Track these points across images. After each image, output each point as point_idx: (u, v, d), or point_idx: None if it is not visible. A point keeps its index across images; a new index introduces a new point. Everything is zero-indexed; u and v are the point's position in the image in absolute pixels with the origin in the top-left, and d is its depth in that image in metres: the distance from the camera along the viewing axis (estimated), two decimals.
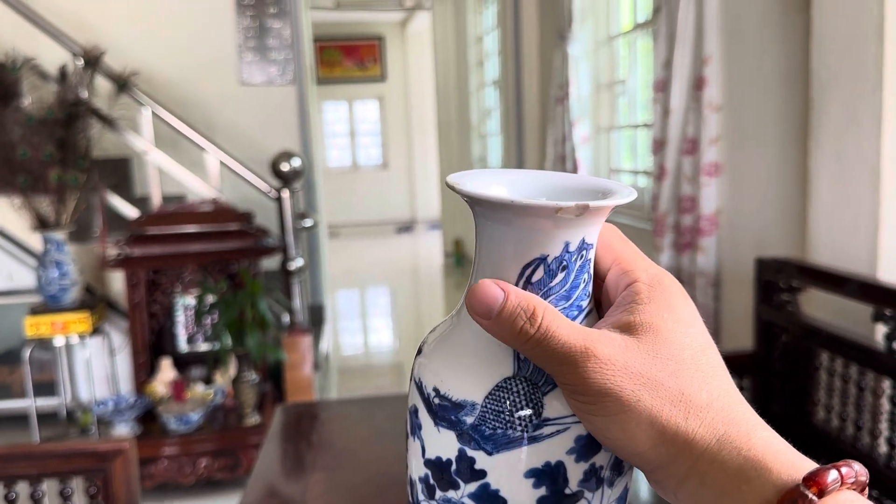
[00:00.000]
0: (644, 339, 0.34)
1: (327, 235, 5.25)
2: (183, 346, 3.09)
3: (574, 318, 0.40)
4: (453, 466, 0.41)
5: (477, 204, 0.40)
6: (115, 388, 3.04)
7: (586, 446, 0.40)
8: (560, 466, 0.40)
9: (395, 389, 4.00)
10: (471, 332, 0.42)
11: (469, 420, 0.41)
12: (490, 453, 0.40)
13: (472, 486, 0.41)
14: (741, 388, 1.87)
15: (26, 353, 2.84)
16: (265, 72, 3.85)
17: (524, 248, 0.40)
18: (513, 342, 0.36)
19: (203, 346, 3.08)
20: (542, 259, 0.40)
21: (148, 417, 2.80)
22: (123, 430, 2.70)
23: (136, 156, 3.57)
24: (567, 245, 0.40)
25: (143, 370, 2.89)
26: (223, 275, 2.91)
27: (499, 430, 0.40)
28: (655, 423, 0.33)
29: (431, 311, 5.92)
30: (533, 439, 0.40)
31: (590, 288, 0.41)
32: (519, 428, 0.40)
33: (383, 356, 5.04)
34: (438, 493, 0.42)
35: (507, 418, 0.40)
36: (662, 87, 2.57)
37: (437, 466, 0.42)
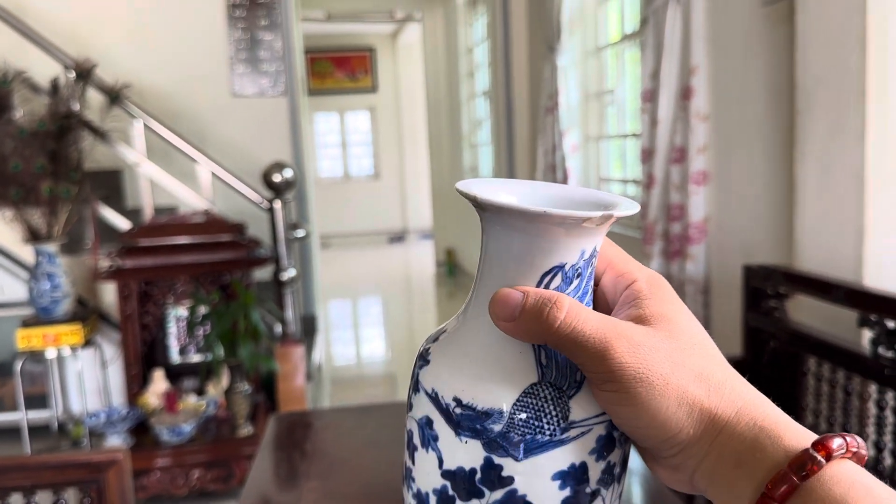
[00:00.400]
0: (659, 328, 0.36)
1: (319, 246, 5.26)
2: (175, 357, 3.09)
3: None
4: (478, 475, 0.42)
5: (497, 213, 0.41)
6: (108, 400, 3.04)
7: (605, 445, 0.41)
8: (584, 466, 0.41)
9: (388, 399, 4.01)
10: (488, 340, 0.43)
11: (497, 428, 0.42)
12: (518, 459, 0.41)
13: (499, 494, 0.42)
14: None
15: (18, 365, 2.84)
16: (257, 83, 3.87)
17: (543, 257, 0.41)
18: (542, 334, 0.37)
19: (195, 358, 3.08)
20: (561, 267, 0.41)
21: (140, 429, 2.79)
22: (116, 441, 2.70)
23: (128, 168, 3.58)
24: (583, 253, 0.41)
25: (136, 382, 2.89)
26: (215, 286, 2.92)
27: (528, 436, 0.41)
28: (683, 402, 0.35)
29: (424, 321, 5.93)
30: (560, 442, 0.41)
31: (592, 294, 0.43)
32: (548, 432, 0.41)
33: (376, 366, 5.04)
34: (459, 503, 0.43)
35: (536, 423, 0.41)
36: (650, 97, 2.60)
37: (460, 477, 0.43)
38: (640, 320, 0.37)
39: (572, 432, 0.41)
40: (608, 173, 3.69)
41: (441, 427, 0.43)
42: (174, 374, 3.05)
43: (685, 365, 0.36)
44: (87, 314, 2.97)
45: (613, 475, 0.42)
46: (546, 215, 0.39)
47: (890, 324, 1.44)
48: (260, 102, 3.89)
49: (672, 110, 2.50)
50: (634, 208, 0.41)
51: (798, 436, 0.33)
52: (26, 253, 3.13)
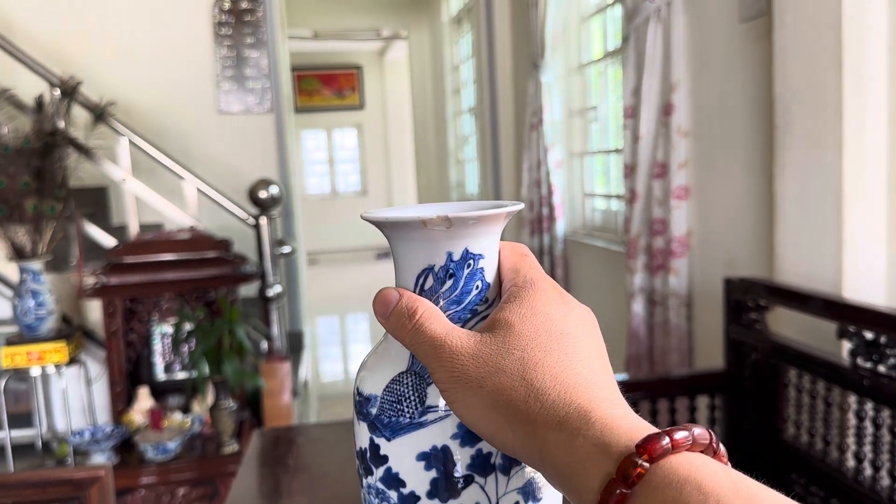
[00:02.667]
0: (498, 334, 0.38)
1: (306, 262, 5.25)
2: (160, 374, 3.07)
3: (468, 320, 0.46)
4: (367, 454, 0.47)
5: (375, 225, 0.46)
6: (92, 418, 3.02)
7: (469, 432, 0.44)
8: (446, 450, 0.45)
9: None
10: (387, 342, 0.48)
11: (373, 411, 0.47)
12: (389, 439, 0.46)
13: (381, 471, 0.47)
14: (713, 407, 1.90)
15: (1, 384, 2.82)
16: (243, 101, 3.88)
17: (414, 260, 0.46)
18: (398, 336, 0.41)
19: (180, 375, 3.07)
20: (430, 268, 0.46)
21: (125, 447, 2.78)
22: (101, 459, 2.68)
23: (114, 185, 3.58)
24: (450, 255, 0.46)
25: (121, 399, 2.88)
26: (201, 302, 2.91)
27: (392, 418, 0.46)
28: (498, 403, 0.36)
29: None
30: (419, 425, 0.45)
31: (489, 294, 0.46)
32: (407, 415, 0.45)
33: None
34: (364, 481, 0.48)
35: (398, 407, 0.46)
36: (632, 113, 2.63)
37: (359, 456, 0.48)
38: (488, 325, 0.40)
39: (430, 416, 0.44)
40: (592, 188, 3.72)
41: (354, 415, 0.49)
42: (159, 391, 3.03)
43: (507, 370, 0.36)
44: (71, 332, 2.96)
45: (492, 465, 0.44)
46: (389, 221, 0.45)
47: (868, 335, 1.46)
48: (246, 120, 3.90)
49: (653, 126, 2.53)
50: (485, 213, 0.44)
51: (627, 440, 0.32)
52: (11, 271, 3.12)
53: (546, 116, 3.68)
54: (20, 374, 2.84)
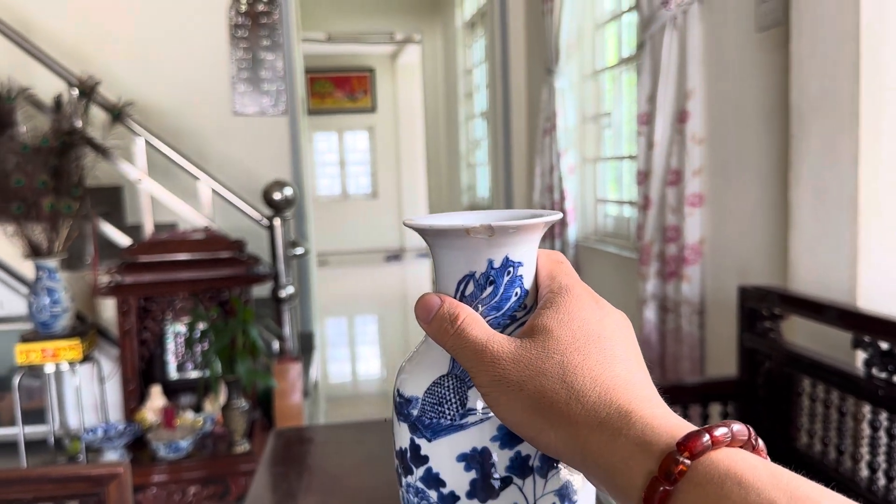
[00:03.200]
0: (537, 339, 0.39)
1: (317, 264, 5.27)
2: (173, 373, 3.09)
3: (506, 327, 0.47)
4: (408, 454, 0.48)
5: (418, 232, 0.48)
6: (105, 416, 3.04)
7: (508, 434, 0.45)
8: (486, 452, 0.46)
9: (382, 417, 4.00)
10: (427, 345, 0.49)
11: (414, 412, 0.48)
12: (430, 440, 0.47)
13: (421, 471, 0.48)
14: (726, 415, 1.90)
15: (16, 380, 2.84)
16: (258, 102, 3.91)
17: (455, 266, 0.48)
18: (440, 339, 0.43)
19: (193, 374, 3.09)
20: (471, 275, 0.47)
21: (137, 445, 2.80)
22: (113, 457, 2.70)
23: (129, 184, 3.60)
24: (491, 262, 0.47)
25: (133, 397, 2.90)
26: (214, 302, 2.93)
27: (434, 420, 0.47)
28: (539, 405, 0.37)
29: (419, 340, 5.93)
30: (460, 427, 0.46)
31: (527, 301, 0.48)
32: (448, 417, 0.46)
33: (371, 384, 5.05)
34: (403, 480, 0.49)
35: (439, 409, 0.47)
36: (647, 120, 2.64)
37: (399, 455, 0.49)
38: (527, 331, 0.41)
39: (470, 418, 0.46)
40: (604, 194, 3.72)
41: (394, 416, 0.50)
42: (172, 390, 3.05)
43: (548, 373, 0.38)
44: (86, 330, 2.98)
45: (530, 467, 0.46)
46: (433, 229, 0.47)
47: (883, 345, 1.47)
48: (261, 121, 3.93)
49: (668, 133, 2.54)
50: (527, 222, 0.46)
51: (669, 438, 0.33)
52: (27, 268, 3.14)
53: (559, 122, 3.69)
54: (34, 371, 2.86)
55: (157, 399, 2.88)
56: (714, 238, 2.45)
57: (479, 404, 0.46)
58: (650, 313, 2.65)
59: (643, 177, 2.68)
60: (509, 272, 0.47)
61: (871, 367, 1.49)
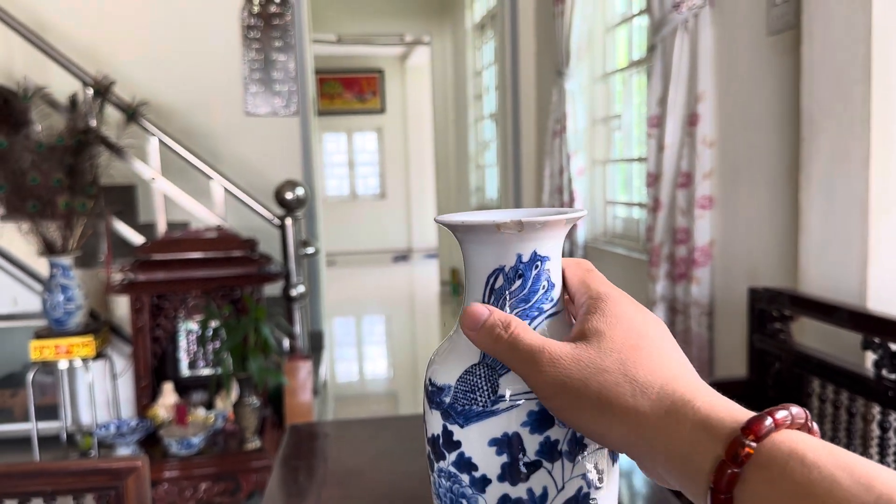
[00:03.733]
0: (591, 341, 0.41)
1: (325, 263, 5.30)
2: (185, 370, 3.12)
3: (534, 318, 0.49)
4: (440, 440, 0.50)
5: (450, 229, 0.50)
6: (117, 412, 3.07)
7: (538, 420, 0.47)
8: (516, 437, 0.48)
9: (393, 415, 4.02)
10: (459, 339, 0.52)
11: (447, 400, 0.50)
12: (462, 426, 0.49)
13: (453, 456, 0.50)
14: None
15: (30, 376, 2.87)
16: (270, 103, 3.94)
17: (485, 261, 0.50)
18: (491, 347, 0.45)
19: (205, 371, 3.12)
20: (501, 269, 0.50)
21: (149, 441, 2.82)
22: (125, 453, 2.72)
23: (143, 183, 3.63)
24: (520, 256, 0.49)
25: (146, 394, 2.92)
26: (227, 300, 2.96)
27: (466, 406, 0.49)
28: (604, 401, 0.39)
29: (427, 340, 5.96)
30: (491, 413, 0.48)
31: (553, 294, 0.50)
32: (480, 403, 0.48)
33: (378, 384, 5.07)
34: (435, 466, 0.52)
35: (471, 396, 0.49)
36: (657, 122, 2.65)
37: (431, 442, 0.52)
38: (579, 336, 0.43)
39: (501, 405, 0.48)
40: (614, 196, 3.74)
41: (425, 404, 0.52)
42: (183, 387, 3.08)
43: (609, 370, 0.39)
44: (99, 327, 3.01)
45: (559, 452, 0.48)
46: (464, 225, 0.49)
47: (893, 346, 1.48)
48: (272, 122, 3.96)
49: (678, 136, 2.55)
50: (556, 217, 0.48)
51: (732, 423, 0.35)
52: (41, 265, 3.18)
53: (569, 124, 3.71)
54: (48, 367, 2.89)
55: (169, 396, 2.91)
56: (724, 240, 2.46)
57: (509, 391, 0.48)
58: (659, 315, 2.66)
59: (653, 179, 2.69)
60: (537, 266, 0.50)
61: (881, 368, 1.50)
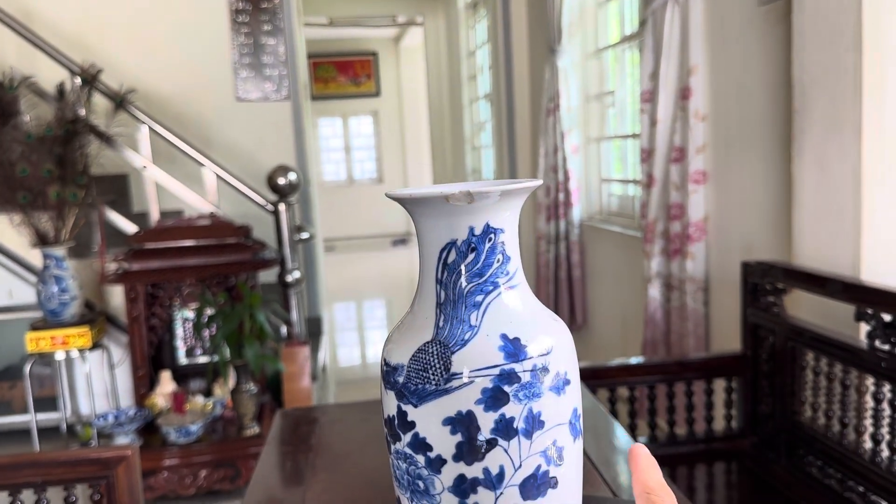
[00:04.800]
0: None
1: (323, 249, 5.29)
2: (182, 358, 3.12)
3: (489, 293, 0.49)
4: (395, 421, 0.50)
5: (400, 203, 0.50)
6: (116, 402, 3.07)
7: (493, 398, 0.47)
8: (471, 415, 0.48)
9: None
10: (410, 311, 0.52)
11: (400, 379, 0.50)
12: (416, 406, 0.49)
13: (408, 437, 0.50)
14: (730, 390, 1.91)
15: (27, 368, 2.87)
16: (260, 88, 3.91)
17: (438, 235, 0.49)
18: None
19: (202, 359, 3.12)
20: (453, 243, 0.49)
21: (148, 430, 2.83)
22: (124, 442, 2.73)
23: (134, 172, 3.62)
24: (472, 229, 0.49)
25: (143, 383, 2.92)
26: (221, 288, 2.95)
27: (419, 385, 0.49)
28: None
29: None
30: (445, 391, 0.48)
31: (509, 267, 0.50)
32: (433, 382, 0.48)
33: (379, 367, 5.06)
34: (392, 447, 0.51)
35: (424, 374, 0.49)
36: (649, 97, 2.63)
37: (387, 423, 0.51)
38: None
39: (454, 382, 0.48)
40: (609, 173, 3.72)
41: (381, 385, 0.52)
42: (181, 375, 3.08)
43: None
44: (94, 317, 3.01)
45: (515, 429, 0.47)
46: (413, 198, 0.48)
47: (886, 317, 1.47)
48: (264, 107, 3.93)
49: (671, 110, 2.53)
50: (505, 187, 0.47)
51: None
52: (34, 257, 3.17)
53: (563, 101, 3.68)
54: (45, 359, 2.89)
55: (166, 384, 2.91)
56: (718, 215, 2.44)
57: (465, 369, 0.47)
58: (655, 291, 2.65)
59: (647, 155, 2.67)
60: (490, 238, 0.49)
61: (874, 339, 1.49)
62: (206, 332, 2.91)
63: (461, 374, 0.48)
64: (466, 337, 0.49)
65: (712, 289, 2.48)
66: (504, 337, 0.49)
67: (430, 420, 0.49)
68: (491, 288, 0.49)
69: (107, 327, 3.16)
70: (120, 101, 3.21)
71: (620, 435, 1.31)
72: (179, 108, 3.80)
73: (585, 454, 1.19)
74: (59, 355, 2.87)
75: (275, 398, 3.05)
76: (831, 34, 1.78)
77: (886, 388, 1.47)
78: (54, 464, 1.36)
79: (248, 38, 3.86)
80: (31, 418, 2.92)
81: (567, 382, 0.50)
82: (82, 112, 3.00)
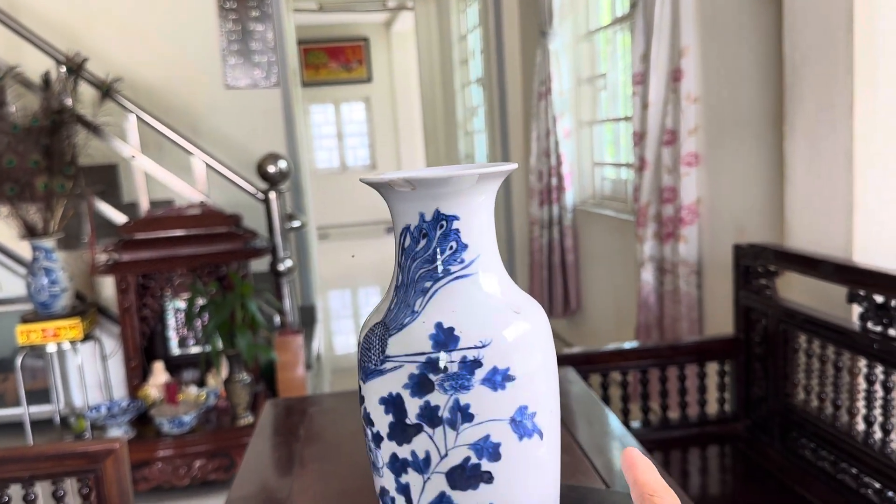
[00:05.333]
0: None
1: (317, 237, 5.26)
2: (175, 349, 3.11)
3: (440, 279, 0.50)
4: (358, 392, 0.53)
5: (374, 188, 0.51)
6: (109, 393, 3.06)
7: (418, 384, 0.49)
8: (399, 398, 0.49)
9: None
10: (385, 299, 0.53)
11: (358, 356, 0.53)
12: (364, 382, 0.52)
13: (362, 408, 0.53)
14: (722, 373, 1.90)
15: (18, 360, 2.85)
16: (249, 75, 3.87)
17: (398, 220, 0.51)
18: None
19: (194, 349, 3.10)
20: (407, 228, 0.50)
21: (142, 421, 2.82)
22: (117, 433, 2.72)
23: (124, 162, 3.59)
24: (422, 215, 0.49)
25: (136, 374, 2.91)
26: (213, 277, 2.93)
27: (364, 363, 0.51)
28: None
29: None
30: (380, 372, 0.50)
31: (465, 255, 0.50)
32: (373, 361, 0.51)
33: None
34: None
35: (368, 354, 0.51)
36: (641, 79, 2.60)
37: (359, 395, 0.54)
38: None
39: (388, 365, 0.49)
40: (601, 157, 3.70)
41: None
42: (174, 365, 3.07)
43: None
44: (85, 308, 2.99)
45: (440, 419, 0.48)
46: (370, 183, 0.49)
47: (878, 298, 1.46)
48: (253, 94, 3.89)
49: (662, 93, 2.50)
50: (452, 173, 0.48)
51: None
52: (23, 249, 3.14)
53: (554, 85, 3.65)
54: (36, 351, 2.87)
55: (159, 375, 2.90)
56: (710, 198, 2.43)
57: (397, 352, 0.49)
58: (648, 275, 2.64)
59: (639, 138, 2.65)
60: (442, 226, 0.48)
61: (867, 320, 1.48)
62: (198, 322, 2.89)
63: (393, 357, 0.49)
64: (406, 321, 0.50)
65: (705, 272, 2.47)
66: (439, 325, 0.50)
67: (371, 397, 0.51)
68: (441, 275, 0.50)
69: (98, 319, 3.14)
70: (106, 90, 3.17)
71: (612, 421, 1.31)
72: (167, 97, 3.76)
73: (576, 442, 1.18)
74: (51, 347, 2.85)
75: (269, 387, 3.04)
76: (823, 13, 1.76)
77: (879, 369, 1.46)
78: (42, 458, 1.35)
79: (235, 25, 3.81)
80: (24, 411, 2.91)
81: (509, 378, 0.50)
82: (69, 102, 2.97)
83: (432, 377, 0.48)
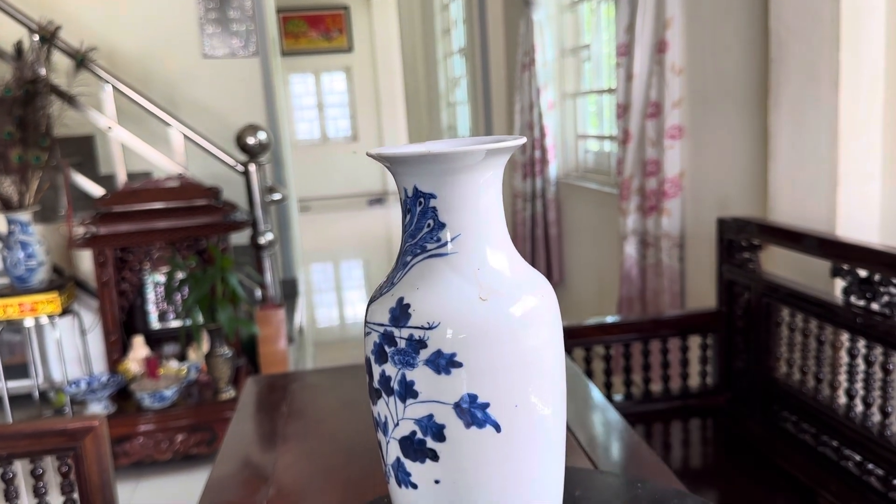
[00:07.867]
0: None
1: (298, 209, 5.22)
2: (155, 323, 3.08)
3: (417, 255, 0.51)
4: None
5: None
6: (88, 368, 3.03)
7: (378, 353, 0.51)
8: (368, 361, 0.53)
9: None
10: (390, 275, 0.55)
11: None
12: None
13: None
14: (705, 347, 1.91)
15: None
16: (227, 44, 3.80)
17: (399, 193, 0.52)
18: None
19: (175, 323, 3.08)
20: (403, 202, 0.52)
21: (122, 395, 2.79)
22: (98, 408, 2.69)
23: (100, 133, 3.52)
24: (405, 191, 0.50)
25: (116, 349, 2.88)
26: (192, 251, 2.89)
27: (365, 330, 0.54)
28: None
29: None
30: (366, 334, 0.53)
31: (442, 235, 0.50)
32: (364, 324, 0.54)
33: (358, 328, 5.05)
34: None
35: (366, 318, 0.54)
36: (625, 51, 2.58)
37: None
38: None
39: (366, 329, 0.53)
40: (585, 130, 3.68)
41: None
42: (154, 340, 3.04)
43: None
44: (63, 282, 2.94)
45: (392, 390, 0.51)
46: (375, 156, 0.50)
47: (862, 273, 1.46)
48: (231, 63, 3.82)
49: (647, 64, 2.48)
50: (416, 150, 0.48)
51: None
52: None
53: (538, 56, 3.61)
54: (14, 326, 2.83)
55: (139, 349, 2.87)
56: (694, 171, 2.42)
57: (370, 319, 0.52)
58: (630, 248, 2.64)
59: (623, 110, 2.63)
60: (420, 203, 0.48)
61: (850, 294, 1.49)
62: (178, 296, 2.86)
63: (368, 322, 0.53)
64: (384, 291, 0.53)
65: (688, 245, 2.47)
66: (399, 301, 0.51)
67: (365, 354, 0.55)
68: (419, 251, 0.52)
69: (77, 293, 3.10)
70: (81, 60, 3.10)
71: (595, 395, 1.30)
72: (144, 66, 3.69)
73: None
74: (29, 322, 2.81)
75: (251, 361, 3.02)
76: None
77: (861, 343, 1.47)
78: (19, 436, 1.33)
79: None
80: (2, 386, 2.87)
81: (455, 364, 0.49)
82: (42, 71, 2.89)
83: (387, 349, 0.51)
